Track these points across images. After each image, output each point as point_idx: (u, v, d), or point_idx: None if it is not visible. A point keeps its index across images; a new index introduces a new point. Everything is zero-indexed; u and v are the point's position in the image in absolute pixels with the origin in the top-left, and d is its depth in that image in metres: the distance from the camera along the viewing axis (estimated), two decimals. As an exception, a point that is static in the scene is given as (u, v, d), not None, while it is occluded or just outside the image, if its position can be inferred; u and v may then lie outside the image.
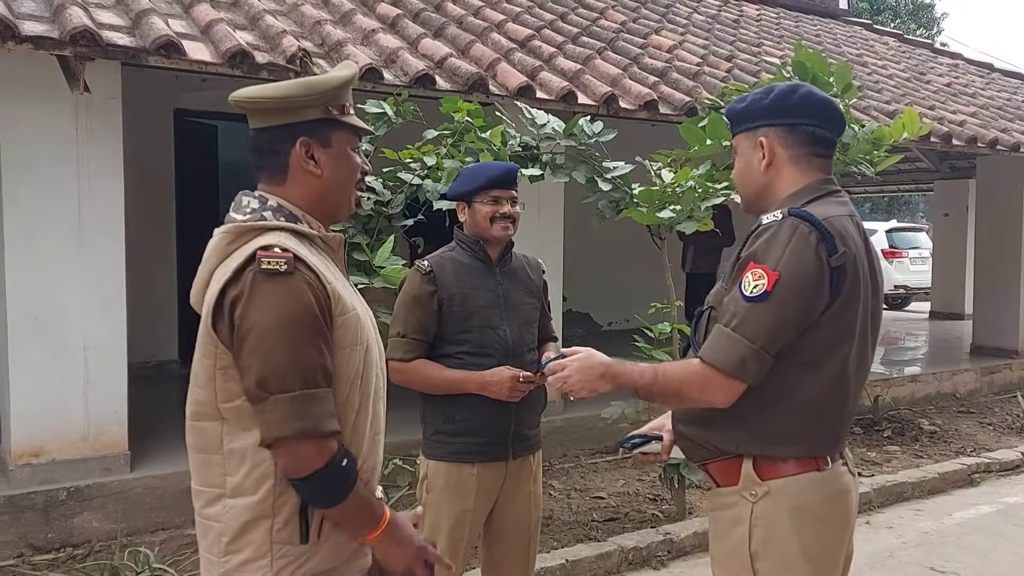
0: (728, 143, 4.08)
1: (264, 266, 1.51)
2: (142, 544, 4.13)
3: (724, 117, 2.06)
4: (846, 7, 13.16)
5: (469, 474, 2.63)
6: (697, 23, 8.91)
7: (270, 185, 1.68)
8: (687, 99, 5.90)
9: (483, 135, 4.08)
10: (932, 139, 7.04)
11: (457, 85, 4.99)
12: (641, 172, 4.44)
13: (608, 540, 4.32)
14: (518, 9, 6.98)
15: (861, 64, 9.12)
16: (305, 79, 1.69)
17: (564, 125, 4.24)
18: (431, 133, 4.22)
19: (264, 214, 1.62)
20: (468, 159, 4.04)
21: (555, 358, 2.72)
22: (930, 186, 14.19)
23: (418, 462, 2.79)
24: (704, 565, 4.33)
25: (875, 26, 12.96)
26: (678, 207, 3.98)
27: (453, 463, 2.64)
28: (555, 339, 2.93)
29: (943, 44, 15.31)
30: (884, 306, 2.39)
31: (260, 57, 4.44)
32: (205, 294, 1.59)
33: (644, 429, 2.05)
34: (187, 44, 4.29)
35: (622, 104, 5.58)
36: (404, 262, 3.96)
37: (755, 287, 1.76)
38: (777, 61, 7.03)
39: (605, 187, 4.31)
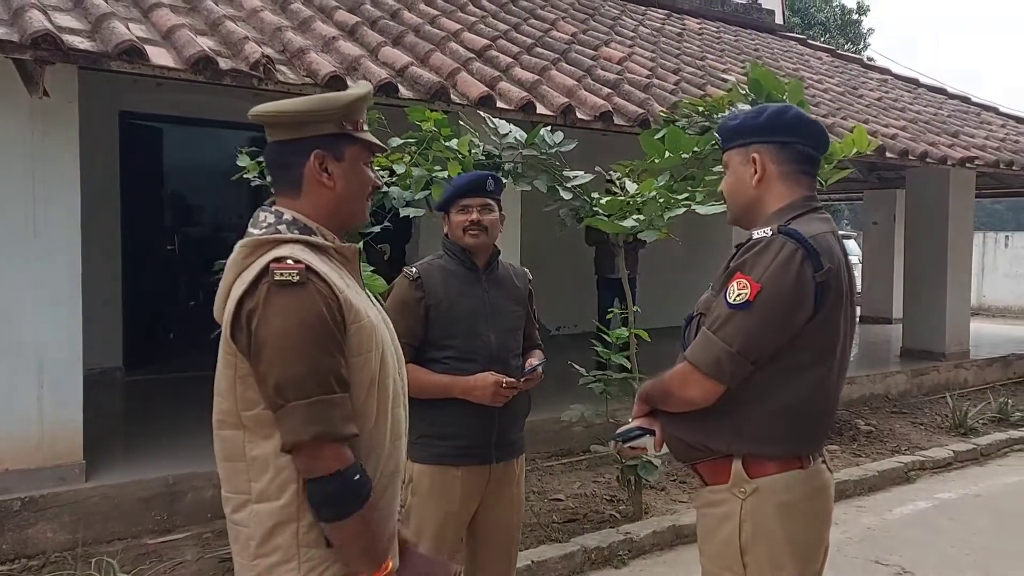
0: (687, 155, 4.25)
1: (277, 277, 1.56)
2: (97, 555, 4.06)
3: (716, 133, 2.17)
4: (781, 22, 13.60)
5: (453, 477, 2.69)
6: (643, 36, 9.13)
7: (285, 198, 1.73)
8: (640, 111, 6.07)
9: (449, 144, 4.14)
10: (867, 152, 7.36)
11: (419, 94, 5.05)
12: (598, 181, 4.56)
13: (571, 541, 4.42)
14: (473, 19, 7.07)
15: (798, 78, 9.45)
16: (323, 95, 1.75)
17: (526, 135, 4.34)
18: (396, 141, 4.27)
19: (279, 228, 1.67)
20: (436, 168, 4.11)
21: (537, 365, 2.82)
22: (859, 195, 14.73)
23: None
24: (663, 563, 4.48)
25: (809, 41, 13.42)
26: (641, 216, 4.10)
27: (438, 466, 2.70)
28: (541, 346, 3.00)
29: (870, 59, 15.91)
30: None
31: (223, 63, 4.42)
32: (225, 307, 1.63)
33: (639, 423, 2.15)
34: (150, 49, 4.26)
35: (579, 115, 5.71)
36: (372, 268, 3.99)
37: (738, 296, 1.89)
38: (731, 78, 7.27)
39: (566, 196, 4.42)
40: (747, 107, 4.25)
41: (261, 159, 4.06)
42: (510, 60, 6.25)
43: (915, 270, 9.80)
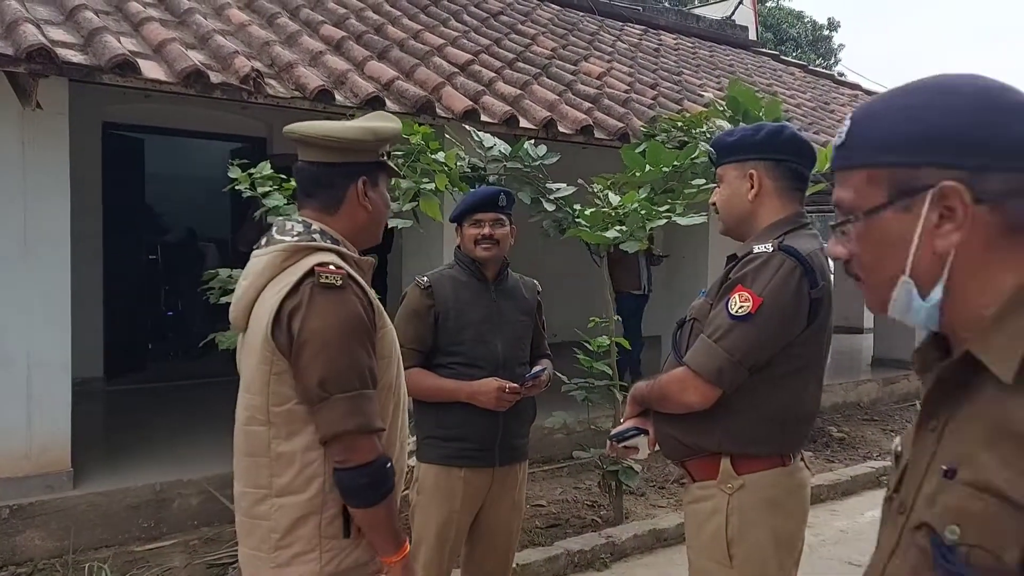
0: (667, 169, 4.39)
1: (322, 280, 1.68)
2: (86, 562, 4.10)
3: (711, 148, 2.29)
4: (754, 38, 13.86)
5: (457, 477, 2.80)
6: (621, 51, 9.31)
7: (318, 213, 1.84)
8: (619, 125, 6.22)
9: (436, 156, 4.25)
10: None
11: (406, 107, 5.15)
12: (580, 193, 4.69)
13: (554, 544, 4.52)
14: (455, 34, 7.20)
15: (772, 94, 9.68)
16: (370, 126, 1.87)
17: (510, 148, 4.45)
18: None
19: (313, 236, 1.79)
20: (424, 180, 4.21)
21: (541, 371, 2.92)
22: (831, 208, 14.97)
23: (410, 465, 2.94)
24: (643, 566, 4.59)
25: (782, 57, 13.70)
26: (623, 227, 4.23)
27: (442, 466, 2.81)
28: (549, 356, 3.10)
29: (841, 74, 16.24)
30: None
31: (214, 77, 4.51)
32: (252, 309, 1.73)
33: (632, 423, 2.25)
34: (142, 63, 4.33)
35: (560, 129, 5.85)
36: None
37: (740, 307, 2.01)
38: (707, 94, 7.43)
39: (549, 207, 4.54)
40: (725, 124, 4.40)
41: (252, 171, 4.14)
42: (492, 75, 6.38)
43: (885, 281, 10.00)
